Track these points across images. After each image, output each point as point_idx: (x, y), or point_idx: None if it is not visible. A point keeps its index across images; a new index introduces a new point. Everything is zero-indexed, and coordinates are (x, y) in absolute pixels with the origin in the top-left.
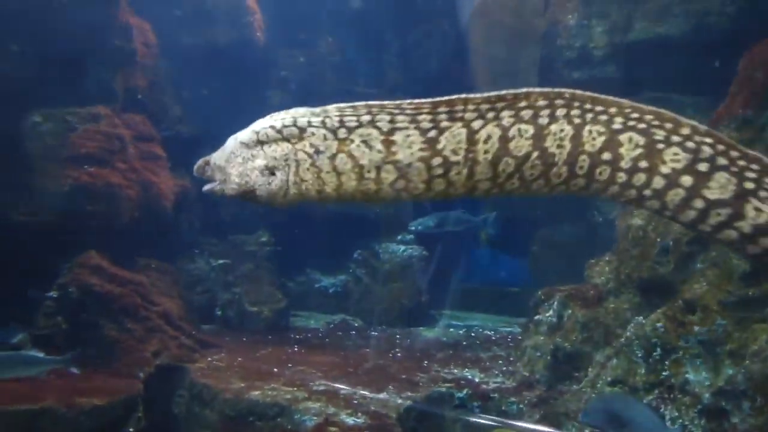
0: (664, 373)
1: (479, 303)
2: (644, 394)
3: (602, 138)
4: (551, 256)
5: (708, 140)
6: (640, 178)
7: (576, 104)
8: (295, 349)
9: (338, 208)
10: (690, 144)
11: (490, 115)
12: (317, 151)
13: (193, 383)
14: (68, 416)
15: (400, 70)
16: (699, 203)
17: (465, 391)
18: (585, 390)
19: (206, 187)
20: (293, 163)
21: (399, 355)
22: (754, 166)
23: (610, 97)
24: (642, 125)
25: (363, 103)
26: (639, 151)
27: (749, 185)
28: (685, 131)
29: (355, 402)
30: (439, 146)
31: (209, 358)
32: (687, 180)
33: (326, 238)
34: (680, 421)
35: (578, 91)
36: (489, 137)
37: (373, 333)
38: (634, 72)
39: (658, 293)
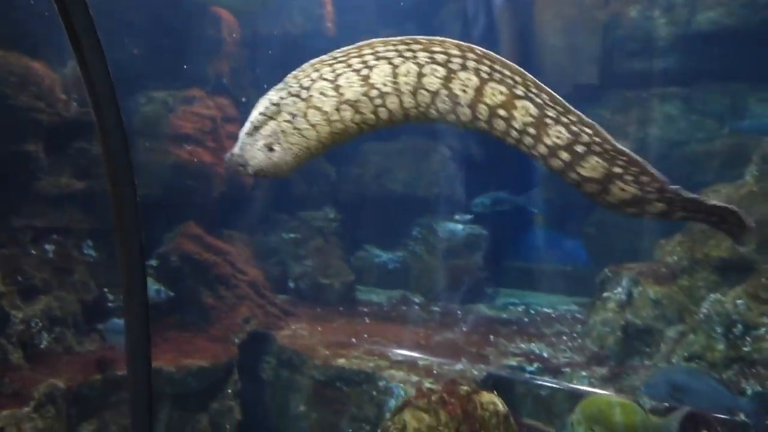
0: (744, 349)
1: (533, 281)
2: (723, 369)
3: (502, 97)
4: (606, 236)
5: (588, 130)
6: (528, 140)
7: (486, 62)
8: (366, 321)
9: (397, 189)
10: (574, 128)
11: (408, 54)
12: (294, 116)
13: (283, 349)
14: (177, 377)
15: None
16: (574, 175)
17: (535, 365)
18: (658, 365)
19: (232, 169)
20: (281, 134)
21: (464, 329)
22: (623, 158)
23: (517, 66)
24: (539, 100)
25: (307, 63)
26: (530, 119)
27: (617, 170)
28: (573, 117)
29: (435, 372)
30: (372, 81)
31: (292, 326)
32: (565, 155)
33: (384, 216)
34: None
35: (491, 52)
36: (408, 72)
37: (434, 308)
38: (696, 63)
39: (737, 272)
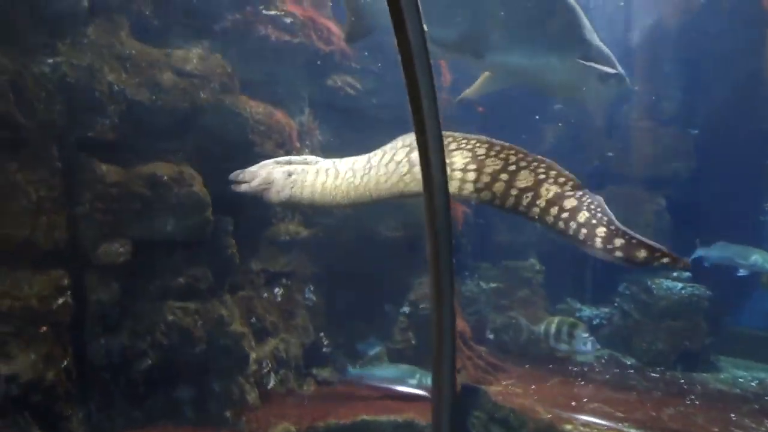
0: None
1: (761, 351)
2: None
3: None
4: None
5: (512, 152)
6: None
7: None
8: (581, 382)
9: None
10: (502, 154)
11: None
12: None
13: (498, 407)
14: (426, 429)
15: (679, 103)
16: (514, 191)
17: None
18: None
19: (236, 184)
20: (303, 173)
21: (697, 403)
22: (543, 165)
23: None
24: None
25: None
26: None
27: (541, 176)
28: (497, 148)
29: None
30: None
31: (503, 382)
32: (504, 176)
33: (588, 269)
34: None
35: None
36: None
37: (652, 374)
38: None
39: None
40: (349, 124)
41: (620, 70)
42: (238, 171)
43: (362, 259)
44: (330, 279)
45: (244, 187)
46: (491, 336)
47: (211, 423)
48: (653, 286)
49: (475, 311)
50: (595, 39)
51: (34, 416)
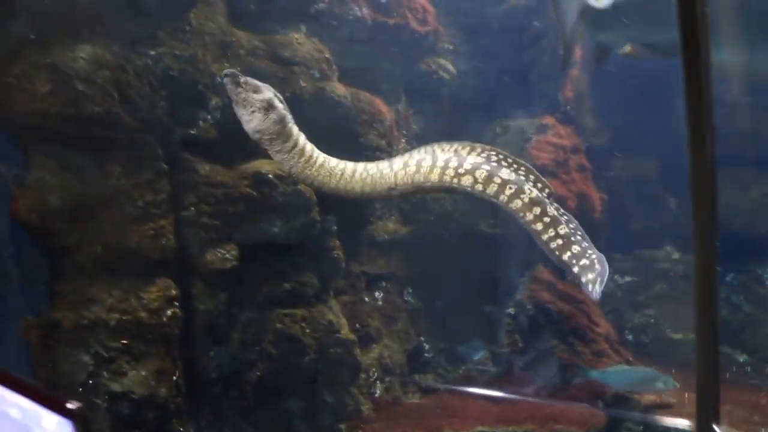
0: None
1: None
2: None
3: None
4: None
5: (493, 151)
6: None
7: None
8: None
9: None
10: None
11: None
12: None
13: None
14: None
15: None
16: (497, 179)
17: None
18: None
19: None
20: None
21: None
22: (523, 168)
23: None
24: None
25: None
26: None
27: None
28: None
29: None
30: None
31: None
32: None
33: None
34: None
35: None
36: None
37: None
38: None
39: None
40: (443, 110)
41: None
42: (235, 71)
43: (461, 257)
44: (428, 279)
45: (239, 91)
46: (630, 337)
47: None
48: (766, 275)
49: (611, 309)
50: None
51: None
